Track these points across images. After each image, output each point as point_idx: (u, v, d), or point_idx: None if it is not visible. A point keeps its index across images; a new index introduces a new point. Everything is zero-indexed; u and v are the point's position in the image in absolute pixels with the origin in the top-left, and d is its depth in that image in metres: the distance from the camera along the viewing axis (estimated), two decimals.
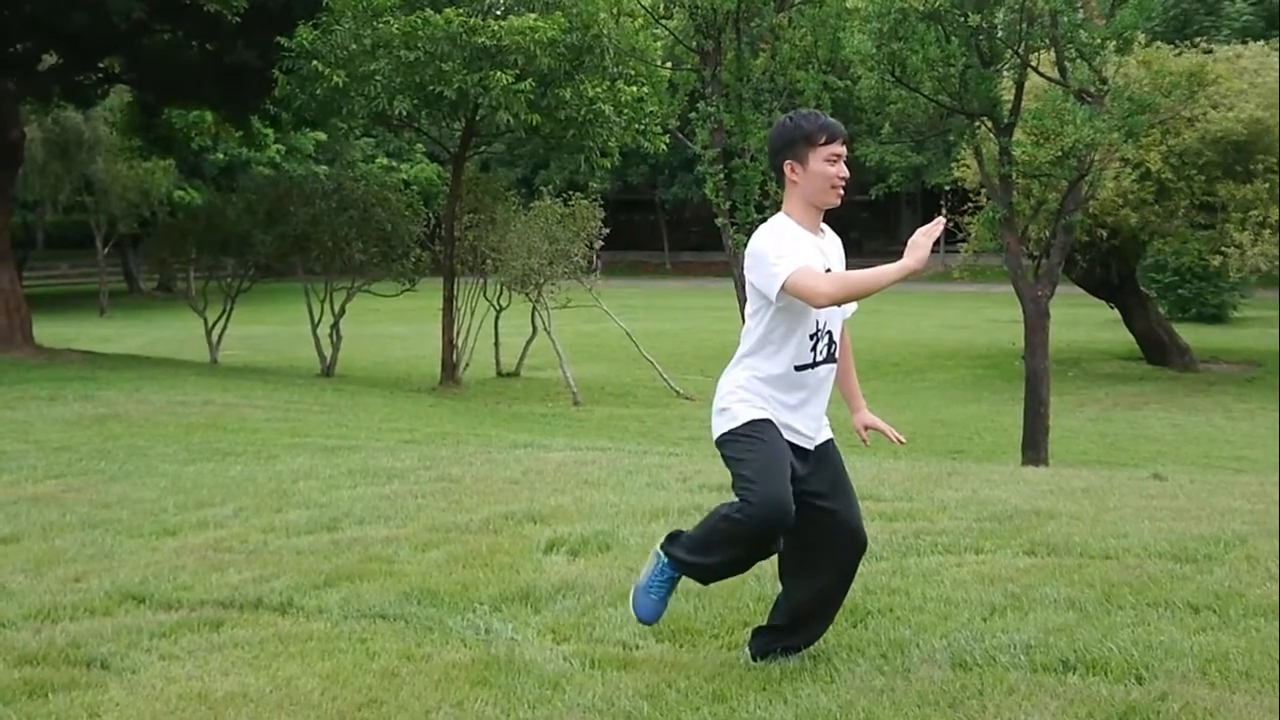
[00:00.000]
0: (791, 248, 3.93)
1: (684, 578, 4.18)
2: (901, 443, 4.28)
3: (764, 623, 4.31)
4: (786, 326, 4.01)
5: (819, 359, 4.07)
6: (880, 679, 4.00)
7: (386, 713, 3.88)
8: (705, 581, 4.28)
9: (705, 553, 4.07)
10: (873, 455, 11.42)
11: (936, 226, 3.83)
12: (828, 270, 4.02)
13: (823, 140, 4.00)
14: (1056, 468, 11.66)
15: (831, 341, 4.10)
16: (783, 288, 3.86)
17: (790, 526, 3.91)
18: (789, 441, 4.04)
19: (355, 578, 5.39)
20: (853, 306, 4.19)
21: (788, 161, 4.04)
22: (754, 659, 4.20)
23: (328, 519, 6.68)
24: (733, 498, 3.99)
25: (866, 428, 4.36)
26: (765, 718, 3.75)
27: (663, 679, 4.06)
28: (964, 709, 3.74)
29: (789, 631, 4.21)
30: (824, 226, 4.18)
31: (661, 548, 4.18)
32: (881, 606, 4.76)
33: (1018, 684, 3.90)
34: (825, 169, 4.01)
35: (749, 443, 3.99)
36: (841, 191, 4.06)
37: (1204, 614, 4.57)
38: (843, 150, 4.04)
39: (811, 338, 4.04)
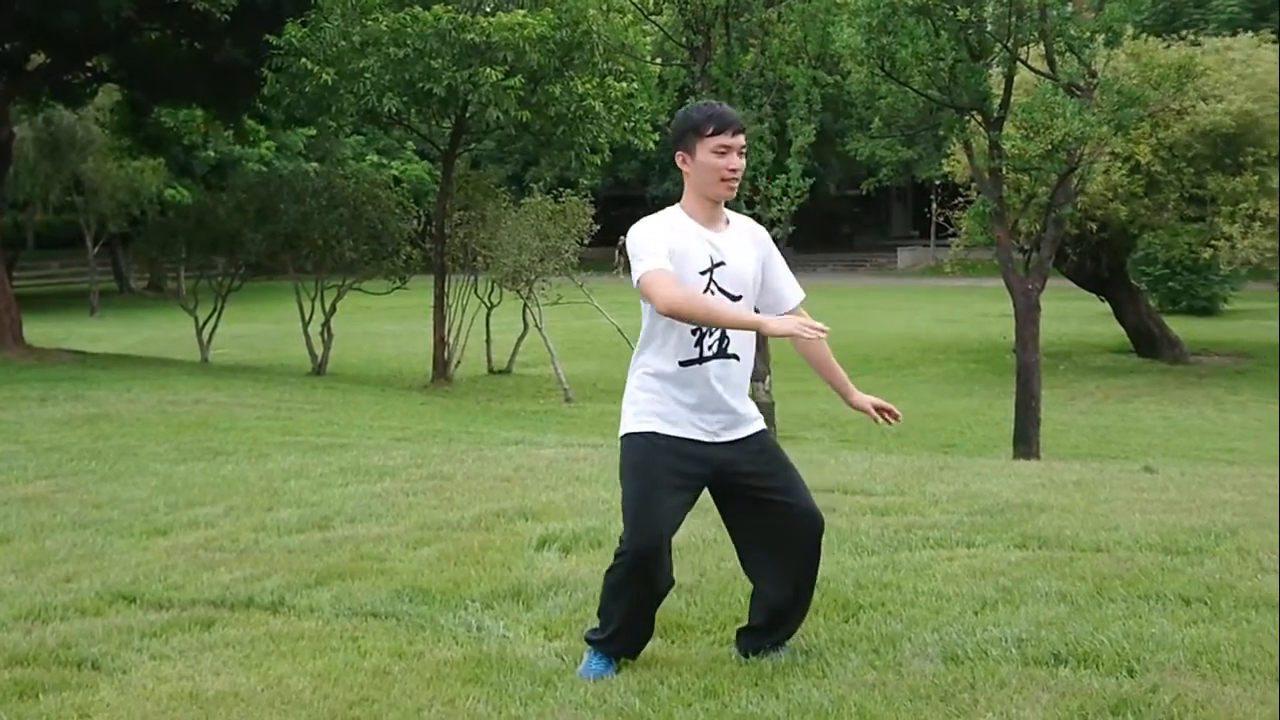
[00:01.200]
0: (660, 243, 3.89)
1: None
2: (898, 418, 4.19)
3: (745, 624, 4.31)
4: (666, 320, 3.95)
5: (708, 354, 3.99)
6: (872, 673, 4.00)
7: (378, 711, 3.87)
8: (631, 651, 4.20)
9: (610, 616, 4.11)
10: (864, 449, 11.43)
11: (817, 333, 3.76)
12: (719, 265, 3.96)
13: (710, 131, 3.94)
14: (1048, 461, 11.67)
15: (724, 336, 3.99)
16: (638, 283, 3.85)
17: (657, 546, 3.95)
18: (692, 438, 4.00)
19: (347, 576, 5.38)
20: (790, 300, 4.14)
21: (679, 153, 4.01)
22: (744, 656, 4.20)
23: (319, 517, 6.67)
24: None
25: (875, 407, 4.22)
26: (757, 713, 3.75)
27: (655, 675, 4.06)
28: (956, 702, 3.74)
29: (771, 628, 4.22)
30: (735, 218, 4.13)
31: (585, 639, 4.23)
32: (873, 601, 4.77)
33: (1009, 677, 3.90)
34: (713, 160, 3.95)
35: (629, 462, 4.03)
36: (733, 184, 3.98)
37: (1195, 606, 4.58)
38: (733, 142, 3.95)
39: (695, 333, 3.96)
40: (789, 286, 4.18)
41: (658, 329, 4.01)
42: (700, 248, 3.96)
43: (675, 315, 3.83)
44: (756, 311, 4.08)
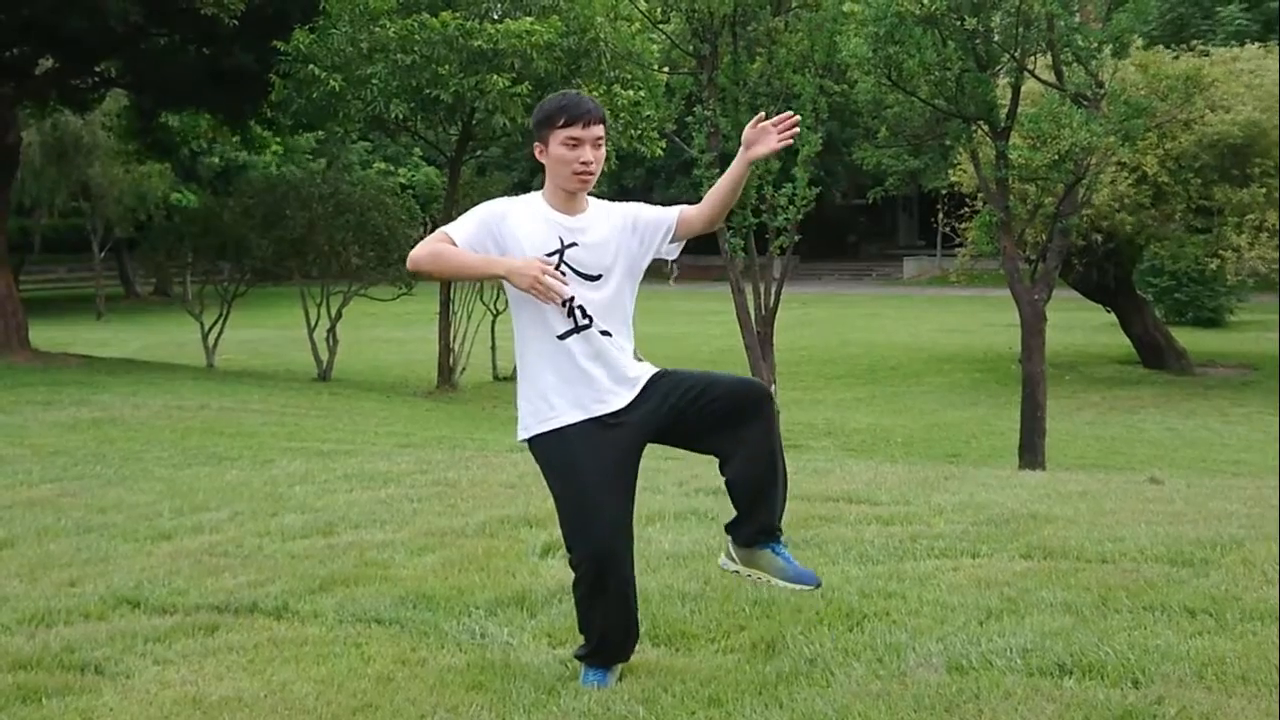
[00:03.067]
0: (474, 220, 3.96)
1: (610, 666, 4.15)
2: (792, 118, 4.05)
3: (732, 518, 4.22)
4: (528, 305, 3.95)
5: (582, 324, 3.97)
6: (876, 683, 3.99)
7: (381, 717, 3.87)
8: (621, 656, 4.17)
9: (591, 629, 4.09)
10: (869, 458, 11.41)
11: (552, 286, 3.79)
12: (570, 245, 3.96)
13: (561, 122, 3.94)
14: (1053, 471, 11.66)
15: (587, 316, 3.95)
16: None
17: (616, 543, 3.93)
18: (595, 416, 3.96)
19: (350, 582, 5.38)
20: (671, 213, 4.13)
21: (536, 144, 4.02)
22: (746, 548, 4.15)
23: (323, 523, 6.67)
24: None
25: (767, 128, 4.03)
26: None
27: (658, 683, 4.05)
28: (960, 713, 3.73)
29: (752, 511, 4.12)
30: (594, 203, 4.12)
31: (575, 658, 4.21)
32: (878, 610, 4.75)
33: (1014, 688, 3.89)
34: (563, 153, 3.95)
35: (549, 467, 4.01)
36: (585, 177, 3.98)
37: (1200, 618, 4.56)
38: (585, 134, 3.95)
39: (563, 304, 3.93)
40: (662, 212, 4.18)
41: (524, 317, 4.01)
42: (549, 230, 3.98)
43: (419, 270, 3.93)
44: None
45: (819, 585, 4.17)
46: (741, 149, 4.08)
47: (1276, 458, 13.66)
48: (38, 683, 4.21)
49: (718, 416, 4.01)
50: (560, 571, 5.47)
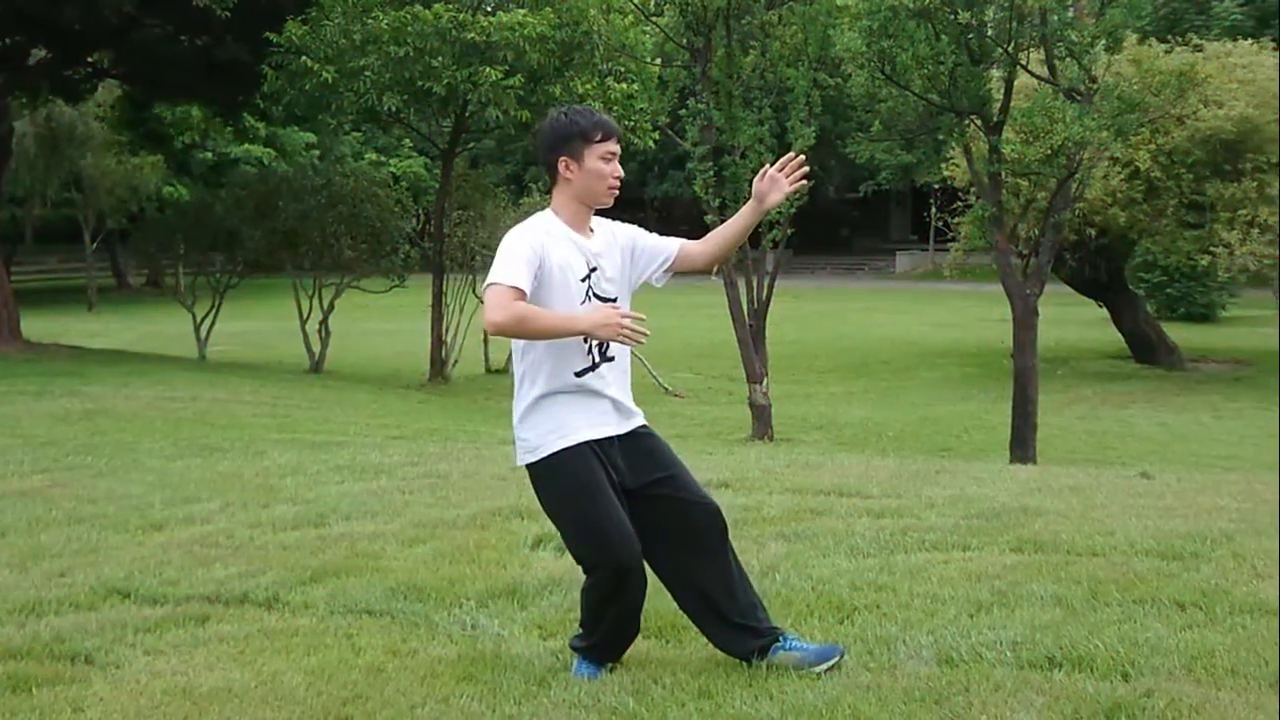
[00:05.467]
0: (524, 259, 3.85)
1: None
2: (806, 176, 4.25)
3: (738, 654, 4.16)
4: (545, 345, 3.95)
5: (598, 360, 4.01)
6: (866, 675, 4.00)
7: (371, 708, 3.87)
8: (616, 654, 4.16)
9: (596, 627, 4.10)
10: (861, 452, 11.42)
11: (634, 331, 3.79)
12: (594, 270, 3.99)
13: (599, 138, 3.97)
14: (1044, 466, 11.68)
15: (601, 341, 3.96)
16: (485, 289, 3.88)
17: (636, 552, 3.94)
18: (597, 439, 3.98)
19: (341, 573, 5.38)
20: (669, 246, 4.22)
21: (563, 158, 3.99)
22: (758, 658, 4.10)
23: (315, 515, 6.66)
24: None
25: (775, 177, 4.22)
26: (751, 714, 3.74)
27: (649, 675, 4.05)
28: (950, 705, 3.74)
29: (711, 635, 4.14)
30: (603, 222, 4.15)
31: (570, 648, 4.21)
32: (868, 603, 4.76)
33: (1004, 680, 3.90)
34: (601, 167, 3.98)
35: (564, 481, 4.00)
36: (616, 191, 4.03)
37: (1190, 611, 4.58)
38: (617, 149, 4.02)
39: (585, 341, 3.96)
40: (662, 241, 4.26)
41: (537, 354, 3.98)
42: (578, 254, 4.00)
43: (502, 332, 3.81)
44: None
45: (843, 653, 4.12)
46: (754, 200, 4.19)
47: (1274, 453, 13.69)
48: (28, 672, 4.20)
49: (672, 522, 4.06)
50: (551, 564, 5.48)
